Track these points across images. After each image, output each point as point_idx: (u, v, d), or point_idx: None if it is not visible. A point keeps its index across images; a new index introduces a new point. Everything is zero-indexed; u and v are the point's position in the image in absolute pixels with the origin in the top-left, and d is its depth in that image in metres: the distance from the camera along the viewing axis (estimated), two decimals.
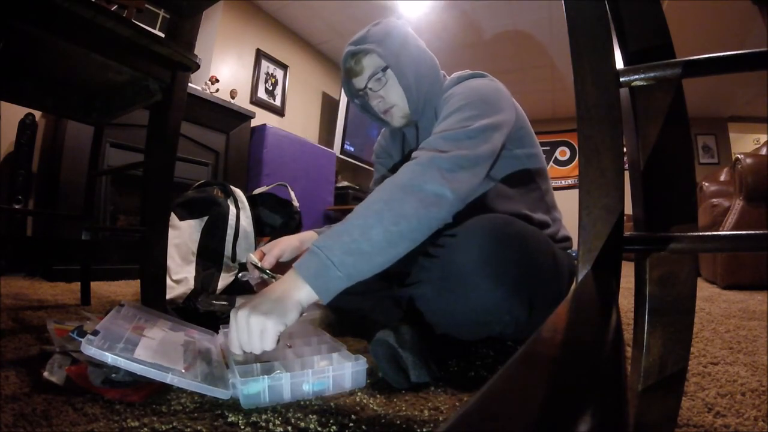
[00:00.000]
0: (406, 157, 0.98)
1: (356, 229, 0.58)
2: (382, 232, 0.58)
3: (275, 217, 1.38)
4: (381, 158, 1.06)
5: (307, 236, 0.82)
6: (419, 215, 0.60)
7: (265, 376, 0.56)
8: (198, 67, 0.97)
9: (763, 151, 2.41)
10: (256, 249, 1.26)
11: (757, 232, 0.33)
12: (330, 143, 3.77)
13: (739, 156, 1.99)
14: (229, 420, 0.51)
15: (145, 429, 0.48)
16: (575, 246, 0.45)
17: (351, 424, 0.51)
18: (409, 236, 0.60)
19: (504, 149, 0.77)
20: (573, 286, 0.57)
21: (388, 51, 0.81)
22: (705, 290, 1.90)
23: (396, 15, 3.10)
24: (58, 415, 0.50)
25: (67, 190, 1.77)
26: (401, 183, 0.63)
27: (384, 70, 0.82)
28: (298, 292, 0.56)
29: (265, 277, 0.70)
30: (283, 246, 0.76)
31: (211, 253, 1.18)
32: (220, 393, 0.55)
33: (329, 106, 3.97)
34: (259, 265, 0.71)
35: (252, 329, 0.53)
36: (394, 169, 1.03)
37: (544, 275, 0.71)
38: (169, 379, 0.53)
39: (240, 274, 0.80)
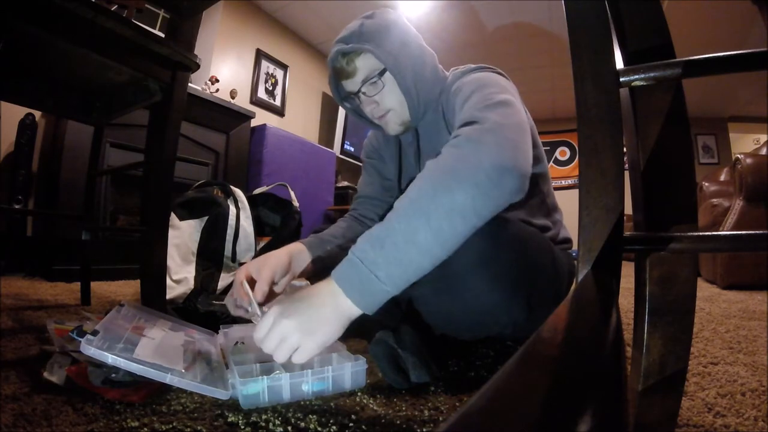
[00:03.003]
0: (402, 167, 0.91)
1: (400, 234, 0.49)
2: (432, 236, 0.49)
3: (275, 217, 1.38)
4: (372, 158, 0.98)
5: (295, 250, 0.76)
6: (477, 207, 0.49)
7: (265, 377, 0.56)
8: (198, 67, 0.97)
9: (763, 151, 2.41)
10: (255, 249, 1.26)
11: (757, 232, 0.33)
12: (330, 143, 3.77)
13: (739, 156, 1.99)
14: (229, 420, 0.51)
15: (145, 429, 0.48)
16: (575, 247, 0.44)
17: (351, 424, 0.51)
18: (467, 233, 0.51)
19: None
20: (573, 287, 0.57)
21: (387, 51, 0.72)
22: (705, 290, 1.90)
23: None
24: (58, 415, 0.50)
25: (67, 190, 1.77)
26: (448, 166, 0.51)
27: (381, 73, 0.74)
28: (347, 307, 0.50)
29: (258, 314, 0.61)
30: (273, 266, 0.69)
31: (211, 253, 1.18)
32: (220, 393, 0.55)
33: (329, 106, 3.98)
34: (253, 301, 0.63)
35: (288, 344, 0.50)
36: (390, 175, 0.95)
37: (543, 276, 0.70)
38: (168, 379, 0.53)
39: (226, 302, 0.74)
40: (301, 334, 0.49)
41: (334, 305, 0.51)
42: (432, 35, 3.39)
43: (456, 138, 0.55)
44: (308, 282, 0.80)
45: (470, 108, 0.62)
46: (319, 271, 0.82)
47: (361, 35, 0.72)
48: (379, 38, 0.72)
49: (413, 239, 0.49)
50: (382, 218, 0.94)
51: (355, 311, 0.51)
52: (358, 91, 0.76)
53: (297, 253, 0.76)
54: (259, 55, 3.23)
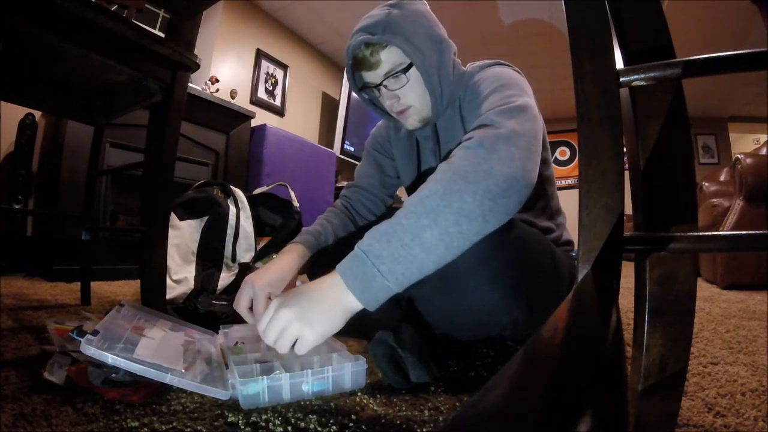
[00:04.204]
0: (420, 161, 0.89)
1: (407, 231, 0.50)
2: (437, 235, 0.49)
3: (275, 217, 1.37)
4: (377, 151, 0.97)
5: (302, 255, 0.78)
6: (485, 212, 0.50)
7: (264, 377, 0.56)
8: (198, 67, 0.97)
9: (763, 151, 2.41)
10: (255, 249, 1.26)
11: (757, 232, 0.33)
12: (330, 143, 3.77)
13: (739, 156, 1.99)
14: (229, 420, 0.51)
15: (145, 429, 0.48)
16: (576, 247, 0.44)
17: (351, 424, 0.51)
18: (472, 238, 0.51)
19: None
20: (573, 287, 0.57)
21: (415, 47, 0.69)
22: (705, 290, 1.90)
23: None
24: (58, 415, 0.50)
25: (67, 190, 1.77)
26: (461, 169, 0.52)
27: (406, 68, 0.71)
28: (348, 300, 0.50)
29: None
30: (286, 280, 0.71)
31: (211, 253, 1.17)
32: (220, 393, 0.55)
33: (329, 106, 3.97)
34: None
35: (288, 335, 0.50)
36: (391, 172, 0.96)
37: (543, 276, 0.70)
38: (168, 379, 0.53)
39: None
40: (300, 324, 0.49)
41: (334, 297, 0.51)
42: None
43: (469, 140, 0.56)
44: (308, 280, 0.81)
45: (488, 109, 0.62)
46: (314, 268, 0.83)
47: (387, 26, 0.69)
48: (406, 31, 0.69)
49: (420, 237, 0.49)
50: (372, 213, 0.95)
51: (357, 305, 0.51)
52: (380, 83, 0.74)
53: (304, 263, 0.78)
54: (259, 55, 3.22)
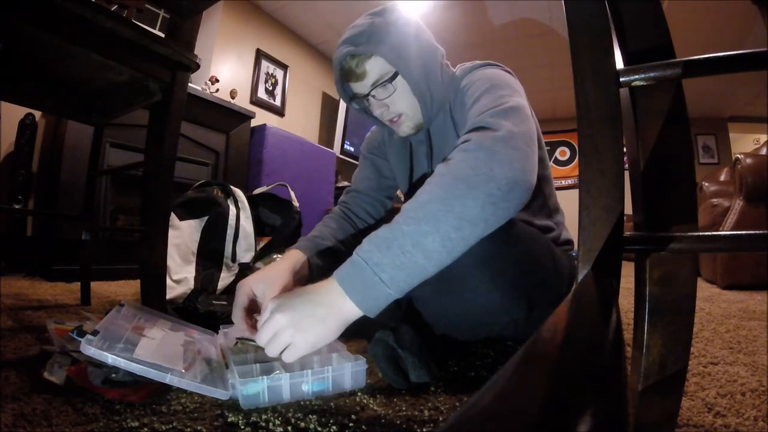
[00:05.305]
0: (413, 166, 0.88)
1: (408, 238, 0.49)
2: (439, 240, 0.48)
3: (275, 217, 1.38)
4: (374, 154, 0.97)
5: (297, 262, 0.73)
6: (487, 217, 0.50)
7: (264, 377, 0.56)
8: (198, 67, 0.97)
9: (763, 151, 2.41)
10: (255, 249, 1.26)
11: (757, 232, 0.33)
12: (330, 143, 3.77)
13: (739, 156, 1.99)
14: (229, 420, 0.51)
15: (145, 429, 0.48)
16: (576, 247, 0.44)
17: (351, 424, 0.51)
18: (473, 241, 0.51)
19: None
20: (573, 287, 0.57)
21: (398, 55, 0.69)
22: (705, 290, 1.90)
23: None
24: (58, 415, 0.50)
25: (67, 190, 1.77)
26: (461, 173, 0.51)
27: (392, 77, 0.71)
28: (345, 308, 0.49)
29: (250, 344, 0.64)
30: (280, 289, 0.65)
31: (211, 253, 1.18)
32: (220, 393, 0.55)
33: (329, 106, 3.98)
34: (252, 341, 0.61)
35: (280, 340, 0.49)
36: (389, 174, 0.95)
37: (543, 276, 0.70)
38: (168, 379, 0.53)
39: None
40: (293, 331, 0.49)
41: (331, 305, 0.50)
42: (432, 35, 3.39)
43: (467, 143, 0.55)
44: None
45: (481, 110, 0.61)
46: (316, 276, 0.81)
47: (371, 36, 0.69)
48: (390, 40, 0.69)
49: (421, 243, 0.48)
50: (371, 217, 0.94)
51: (355, 313, 0.50)
52: (368, 94, 0.74)
53: (299, 266, 0.74)
54: (259, 55, 3.23)
